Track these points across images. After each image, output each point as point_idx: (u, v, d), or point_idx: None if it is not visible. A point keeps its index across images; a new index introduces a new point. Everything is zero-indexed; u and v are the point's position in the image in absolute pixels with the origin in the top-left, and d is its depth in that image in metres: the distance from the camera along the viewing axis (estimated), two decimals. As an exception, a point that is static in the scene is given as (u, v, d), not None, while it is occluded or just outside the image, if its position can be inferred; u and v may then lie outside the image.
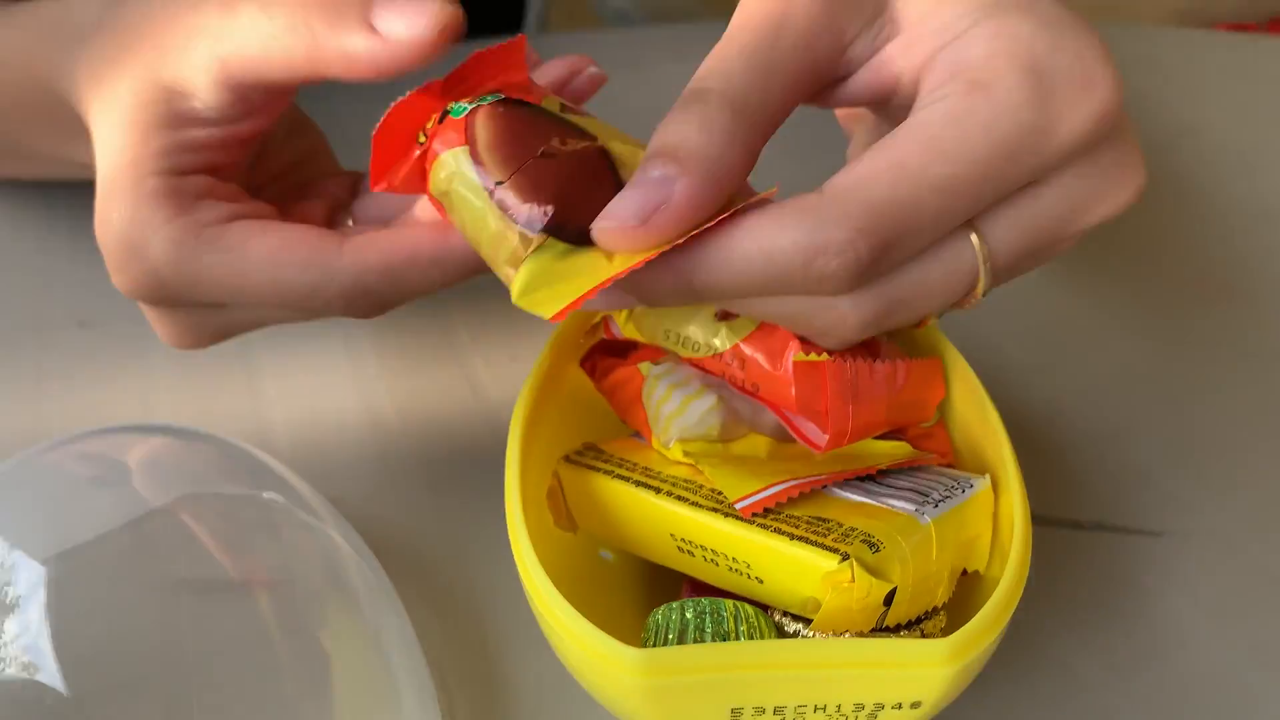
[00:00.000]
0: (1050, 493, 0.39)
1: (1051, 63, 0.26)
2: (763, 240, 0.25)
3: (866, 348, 0.32)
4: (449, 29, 0.29)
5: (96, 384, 0.42)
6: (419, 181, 0.31)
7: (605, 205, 0.26)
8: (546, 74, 0.35)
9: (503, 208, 0.27)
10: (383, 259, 0.30)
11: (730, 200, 0.27)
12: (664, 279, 0.26)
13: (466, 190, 0.28)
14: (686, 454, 0.31)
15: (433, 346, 0.44)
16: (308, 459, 0.39)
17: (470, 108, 0.29)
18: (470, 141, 0.28)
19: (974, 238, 0.27)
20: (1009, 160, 0.26)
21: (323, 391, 0.42)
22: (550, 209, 0.26)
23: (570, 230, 0.26)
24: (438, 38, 0.29)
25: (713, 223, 0.26)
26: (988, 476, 0.31)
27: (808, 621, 0.28)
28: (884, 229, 0.25)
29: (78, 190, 0.48)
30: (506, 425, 0.31)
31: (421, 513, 0.38)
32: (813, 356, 0.29)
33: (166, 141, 0.31)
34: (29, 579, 0.31)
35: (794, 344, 0.30)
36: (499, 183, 0.27)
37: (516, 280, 0.26)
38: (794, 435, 0.31)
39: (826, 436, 0.30)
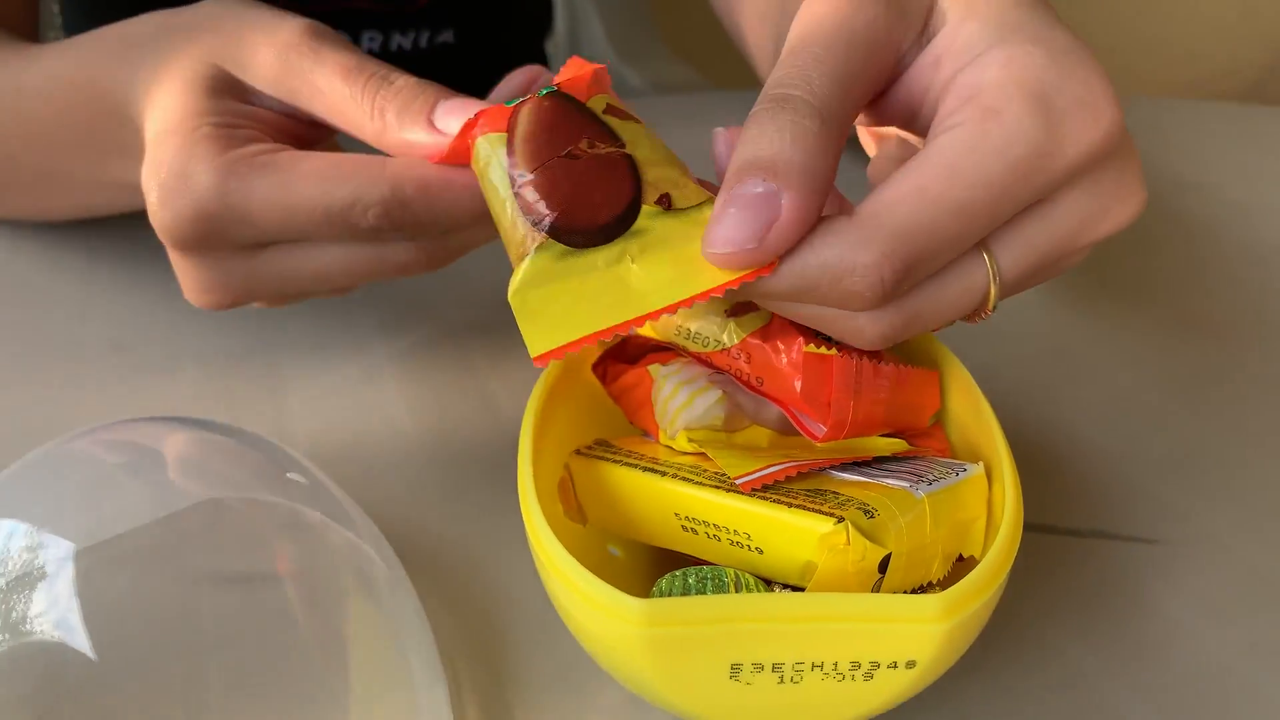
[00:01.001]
0: (1048, 503, 0.40)
1: (1059, 89, 0.28)
2: (795, 258, 0.27)
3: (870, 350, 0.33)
4: None
5: (127, 399, 0.44)
6: (462, 152, 0.33)
7: (611, 209, 0.27)
8: (507, 85, 0.38)
9: (519, 202, 0.29)
10: (422, 175, 0.33)
11: None
12: None
13: (496, 178, 0.30)
14: (691, 440, 0.32)
15: (451, 372, 0.46)
16: (330, 466, 0.41)
17: (520, 100, 0.32)
18: (510, 130, 0.30)
19: (986, 256, 0.28)
20: (1020, 182, 0.27)
21: (344, 410, 0.44)
22: (557, 212, 0.28)
23: (571, 235, 0.28)
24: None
25: None
26: (981, 463, 0.32)
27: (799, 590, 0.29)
28: (907, 252, 0.27)
29: (117, 227, 0.51)
30: (517, 434, 0.32)
31: (437, 513, 0.39)
32: (822, 350, 0.31)
33: (221, 104, 0.34)
34: (58, 561, 0.32)
35: (801, 338, 0.31)
36: (523, 175, 0.29)
37: (514, 277, 0.28)
38: (795, 427, 0.32)
39: (825, 428, 0.32)
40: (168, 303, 0.48)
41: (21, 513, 0.33)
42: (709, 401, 0.33)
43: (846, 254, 0.26)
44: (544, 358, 0.26)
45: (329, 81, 0.34)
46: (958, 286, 0.29)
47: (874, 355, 0.33)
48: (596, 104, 0.32)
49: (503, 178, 0.30)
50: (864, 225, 0.26)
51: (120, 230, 0.51)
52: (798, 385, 0.31)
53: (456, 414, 0.44)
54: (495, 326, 0.48)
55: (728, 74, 0.90)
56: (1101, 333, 0.49)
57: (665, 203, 0.29)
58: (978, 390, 0.34)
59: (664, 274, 0.27)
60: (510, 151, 0.30)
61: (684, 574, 0.29)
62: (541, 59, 0.88)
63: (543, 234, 0.28)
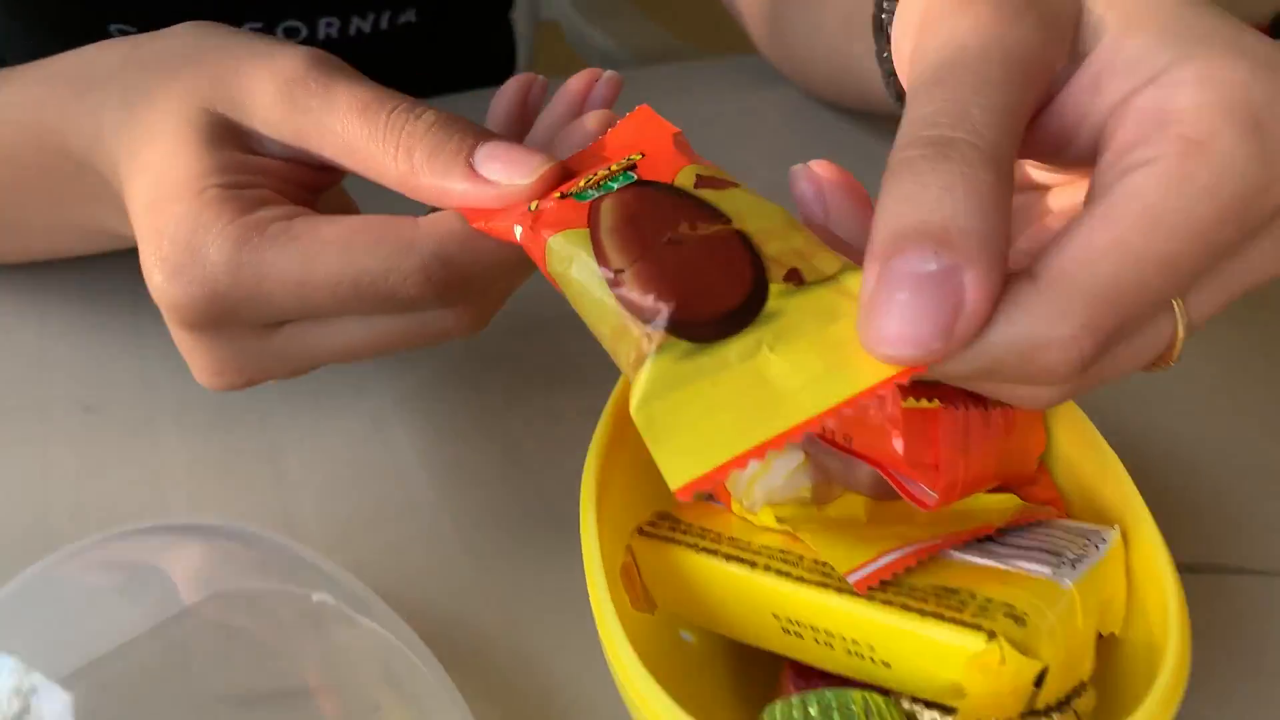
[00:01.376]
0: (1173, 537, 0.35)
1: (1272, 112, 0.23)
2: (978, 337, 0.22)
3: (974, 395, 0.29)
4: (547, 178, 0.28)
5: (106, 471, 0.39)
6: (503, 232, 0.28)
7: (735, 293, 0.23)
8: (559, 103, 0.33)
9: (623, 301, 0.24)
10: (461, 227, 0.28)
11: None
12: None
13: (585, 277, 0.25)
14: (780, 520, 0.28)
15: (466, 414, 0.41)
16: (342, 547, 0.36)
17: (598, 195, 0.27)
18: (593, 226, 0.26)
19: (1175, 304, 0.24)
20: (1232, 225, 0.23)
21: (352, 472, 0.39)
22: (673, 304, 0.23)
23: (694, 328, 0.23)
24: (536, 185, 0.28)
25: None
26: (1117, 528, 0.28)
27: (943, 709, 0.25)
28: (1108, 321, 0.22)
29: (71, 272, 0.45)
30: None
31: (471, 595, 0.35)
32: (923, 403, 0.27)
33: (224, 157, 0.29)
34: (52, 701, 0.28)
35: (897, 390, 0.27)
36: (619, 271, 0.24)
37: (635, 389, 0.23)
38: (895, 490, 0.28)
39: (936, 494, 0.27)
40: (139, 353, 0.43)
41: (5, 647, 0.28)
42: (790, 467, 0.29)
43: (1039, 329, 0.22)
44: (687, 489, 0.21)
45: (343, 120, 0.29)
46: (1146, 341, 0.24)
47: (979, 401, 0.28)
48: (685, 178, 0.27)
49: (593, 277, 0.25)
50: (1057, 292, 0.22)
51: (77, 267, 0.46)
52: (899, 446, 0.27)
53: (478, 464, 0.39)
54: (506, 356, 0.43)
55: (696, 31, 0.85)
56: (1220, 346, 0.44)
57: (796, 279, 0.24)
58: (1094, 430, 0.30)
59: (811, 366, 0.22)
60: (598, 248, 0.25)
61: (802, 702, 0.25)
62: (508, 32, 0.82)
63: (660, 331, 0.23)
